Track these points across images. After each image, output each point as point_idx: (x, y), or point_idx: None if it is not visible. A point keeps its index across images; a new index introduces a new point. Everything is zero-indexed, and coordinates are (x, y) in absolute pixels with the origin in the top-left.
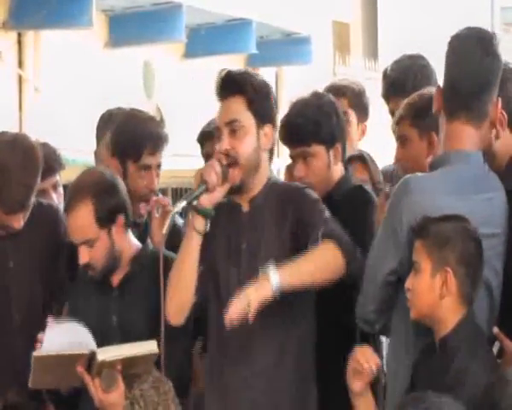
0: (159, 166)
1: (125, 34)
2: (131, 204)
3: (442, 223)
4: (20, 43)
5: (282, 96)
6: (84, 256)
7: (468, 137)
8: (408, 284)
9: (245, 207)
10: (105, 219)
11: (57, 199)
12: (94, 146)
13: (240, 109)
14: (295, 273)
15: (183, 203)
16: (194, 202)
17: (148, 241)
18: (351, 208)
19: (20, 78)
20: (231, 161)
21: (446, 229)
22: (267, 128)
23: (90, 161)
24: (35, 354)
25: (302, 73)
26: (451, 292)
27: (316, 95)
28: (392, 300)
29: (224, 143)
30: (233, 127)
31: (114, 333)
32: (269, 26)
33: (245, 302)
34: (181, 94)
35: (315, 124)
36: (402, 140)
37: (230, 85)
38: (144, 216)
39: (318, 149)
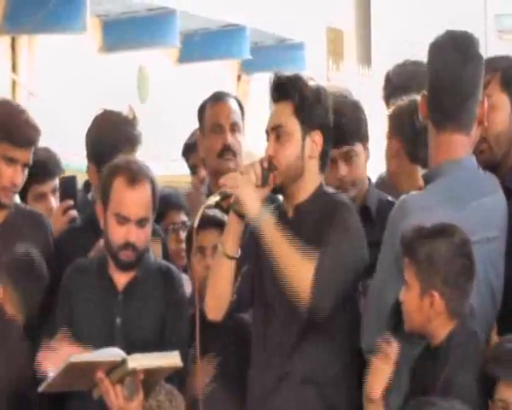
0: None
1: (119, 39)
2: None
3: (429, 241)
4: (13, 47)
5: None
6: (134, 234)
7: (457, 144)
8: (401, 297)
9: (290, 213)
10: (155, 205)
11: (56, 203)
12: None
13: (286, 115)
14: (273, 236)
15: (216, 198)
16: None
17: (151, 252)
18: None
19: (13, 82)
20: (272, 167)
21: (432, 249)
22: (316, 135)
23: (83, 165)
24: (72, 359)
25: None
26: (439, 312)
27: (346, 94)
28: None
29: (269, 149)
30: (278, 132)
31: (117, 335)
32: (263, 31)
33: (234, 183)
34: (175, 99)
35: (357, 122)
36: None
37: (279, 90)
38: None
39: (360, 148)
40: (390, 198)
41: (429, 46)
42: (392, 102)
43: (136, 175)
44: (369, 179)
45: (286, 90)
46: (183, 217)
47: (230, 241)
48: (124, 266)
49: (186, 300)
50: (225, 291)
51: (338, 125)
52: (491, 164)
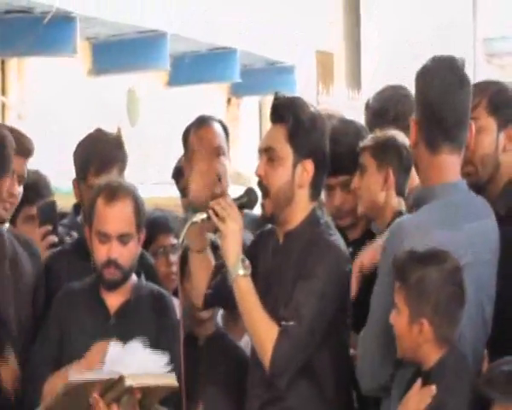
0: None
1: (108, 62)
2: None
3: (420, 266)
4: (3, 69)
5: (267, 125)
6: (115, 251)
7: (451, 167)
8: (391, 320)
9: (280, 239)
10: (140, 223)
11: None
12: None
13: (279, 139)
14: (245, 292)
15: (203, 216)
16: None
17: (142, 276)
18: None
19: (3, 105)
20: (263, 190)
21: (423, 275)
22: (307, 163)
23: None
24: (71, 378)
25: None
26: (428, 339)
27: (346, 121)
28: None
29: (260, 169)
30: (270, 155)
31: None
32: (253, 54)
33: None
34: (165, 122)
35: (356, 151)
36: (360, 169)
37: (275, 111)
38: None
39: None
40: None
41: (420, 71)
42: (374, 128)
43: (114, 192)
44: None
45: (281, 113)
46: (173, 240)
47: (194, 238)
48: (109, 285)
49: (179, 325)
50: (199, 283)
51: (335, 154)
52: (476, 187)
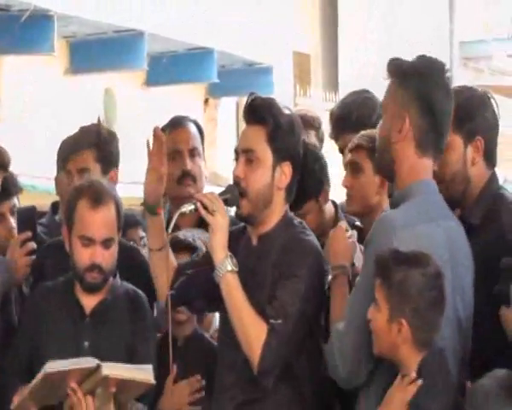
0: (81, 170)
1: (86, 61)
2: None
3: (403, 268)
4: None
5: (244, 126)
6: (99, 255)
7: (429, 169)
8: (369, 315)
9: (254, 241)
10: (120, 225)
11: (14, 223)
12: (54, 173)
13: (258, 140)
14: (234, 293)
15: (191, 207)
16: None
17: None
18: None
19: None
20: (241, 191)
21: (406, 277)
22: (285, 166)
23: (50, 187)
24: (47, 369)
25: None
26: (406, 340)
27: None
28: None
29: (238, 170)
30: (249, 157)
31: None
32: (230, 55)
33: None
34: (142, 122)
35: (301, 190)
36: (354, 168)
37: (253, 113)
38: None
39: (309, 206)
40: (358, 223)
41: (417, 71)
42: (339, 136)
43: (99, 196)
44: (334, 204)
45: (261, 114)
46: (141, 232)
47: (152, 236)
48: (90, 289)
49: (154, 325)
50: (161, 283)
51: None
52: (449, 203)
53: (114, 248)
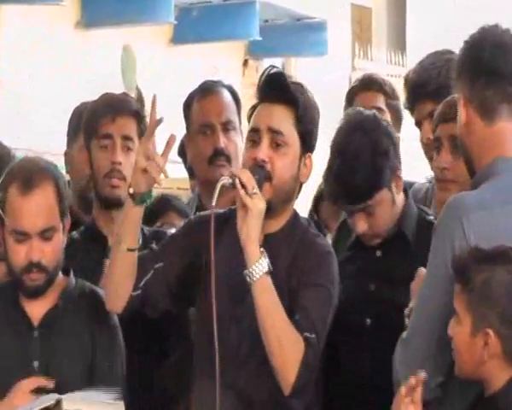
0: (126, 137)
1: (101, 12)
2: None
3: (485, 267)
4: None
5: None
6: (37, 251)
7: (508, 136)
8: (450, 331)
9: (259, 240)
10: (64, 209)
11: None
12: (64, 146)
13: (287, 123)
14: (270, 298)
15: (230, 180)
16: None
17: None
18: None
19: None
20: (267, 174)
21: (489, 277)
22: (309, 158)
23: (60, 163)
24: None
25: (314, 66)
26: (495, 354)
27: (361, 127)
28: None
29: (262, 152)
30: (277, 139)
31: None
32: (275, 7)
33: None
34: (167, 87)
35: (376, 173)
36: (453, 144)
37: (281, 90)
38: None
39: (382, 195)
40: (432, 217)
41: (468, 38)
42: (416, 106)
43: (30, 179)
44: (406, 191)
45: (291, 94)
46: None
47: (130, 232)
48: (32, 293)
49: (118, 329)
50: (124, 284)
51: (351, 184)
52: None
53: (57, 240)
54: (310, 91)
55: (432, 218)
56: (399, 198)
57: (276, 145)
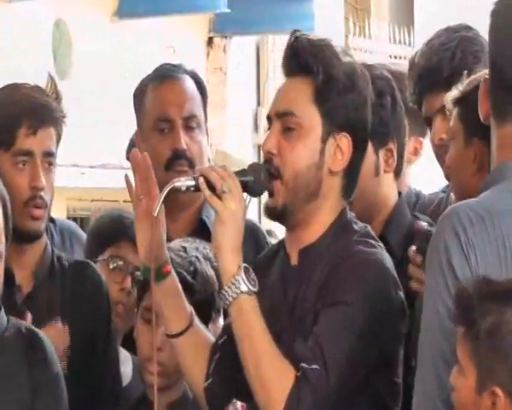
0: (49, 154)
1: None
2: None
3: (493, 307)
4: None
5: (268, 78)
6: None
7: None
8: (452, 380)
9: (294, 259)
10: (7, 232)
11: None
12: None
13: (302, 99)
14: (249, 323)
15: (191, 183)
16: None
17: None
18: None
19: None
20: (273, 172)
21: (498, 322)
22: (343, 139)
23: None
24: None
25: None
26: None
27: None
28: None
29: (269, 142)
30: (286, 123)
31: None
32: None
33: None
34: (110, 73)
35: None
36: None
37: (294, 58)
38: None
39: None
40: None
41: (495, 4)
42: (425, 96)
43: None
44: (400, 194)
45: (305, 60)
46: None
47: (174, 315)
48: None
49: (60, 377)
50: (192, 370)
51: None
52: None
53: None
54: (347, 55)
55: (429, 228)
56: (388, 184)
57: (288, 130)
